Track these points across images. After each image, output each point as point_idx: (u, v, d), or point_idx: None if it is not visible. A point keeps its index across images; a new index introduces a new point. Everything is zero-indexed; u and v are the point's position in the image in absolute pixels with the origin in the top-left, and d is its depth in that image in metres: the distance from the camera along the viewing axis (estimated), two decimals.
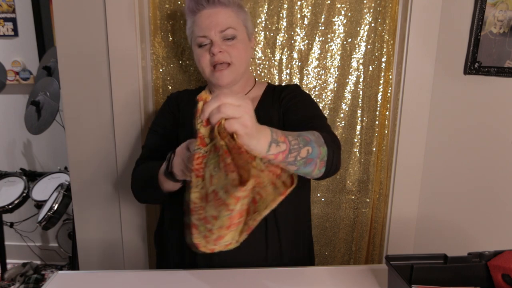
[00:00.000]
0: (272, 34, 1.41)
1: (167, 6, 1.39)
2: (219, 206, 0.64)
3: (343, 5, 1.38)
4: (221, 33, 1.00)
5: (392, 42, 1.41)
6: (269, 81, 1.44)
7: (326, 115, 1.47)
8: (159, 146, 1.11)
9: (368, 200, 1.52)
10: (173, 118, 1.14)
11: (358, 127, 1.48)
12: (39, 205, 2.05)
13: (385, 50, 1.41)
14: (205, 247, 0.68)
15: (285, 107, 1.06)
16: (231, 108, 0.62)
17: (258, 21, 1.40)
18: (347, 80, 1.45)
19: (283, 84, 1.44)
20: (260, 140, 0.67)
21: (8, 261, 2.46)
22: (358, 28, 1.40)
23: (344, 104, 1.47)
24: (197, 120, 0.68)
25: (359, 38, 1.41)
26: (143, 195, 1.06)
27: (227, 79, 1.03)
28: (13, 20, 2.35)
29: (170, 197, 0.99)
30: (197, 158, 0.68)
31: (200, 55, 1.03)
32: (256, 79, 1.20)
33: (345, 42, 1.42)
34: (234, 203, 0.61)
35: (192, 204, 0.68)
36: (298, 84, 1.35)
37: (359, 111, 1.47)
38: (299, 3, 1.38)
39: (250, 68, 1.28)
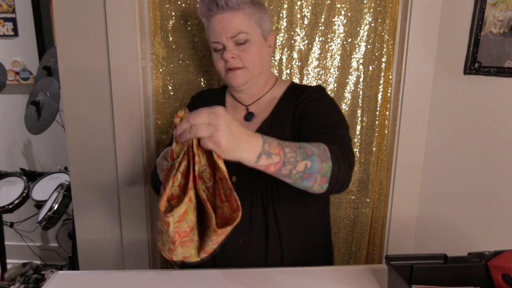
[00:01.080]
0: None
1: (167, 6, 1.39)
2: (163, 223, 0.67)
3: (343, 5, 1.38)
4: (232, 39, 0.99)
5: (392, 42, 1.41)
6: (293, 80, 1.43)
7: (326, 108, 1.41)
8: None
9: (368, 200, 1.52)
10: None
11: (358, 127, 1.48)
12: (39, 205, 2.05)
13: (385, 50, 1.41)
14: (165, 254, 0.71)
15: (301, 112, 1.01)
16: (201, 128, 0.62)
17: None
18: (347, 80, 1.45)
19: (305, 84, 1.40)
20: (245, 151, 0.66)
21: (8, 261, 2.46)
22: (358, 28, 1.40)
23: (344, 104, 1.47)
24: (174, 136, 0.69)
25: (359, 38, 1.41)
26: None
27: (240, 81, 1.02)
28: (13, 20, 2.35)
29: None
30: (165, 170, 0.73)
31: (216, 60, 1.04)
32: (277, 77, 1.15)
33: (345, 42, 1.42)
34: (167, 225, 0.65)
35: (160, 211, 0.68)
36: (322, 85, 1.22)
37: (359, 111, 1.47)
38: (299, 3, 1.38)
39: (272, 66, 1.25)
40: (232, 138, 0.64)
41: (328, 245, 1.14)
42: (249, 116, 1.07)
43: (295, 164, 0.72)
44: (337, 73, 1.44)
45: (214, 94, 1.20)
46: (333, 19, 1.40)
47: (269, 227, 1.00)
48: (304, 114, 1.00)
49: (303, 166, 0.73)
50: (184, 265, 1.07)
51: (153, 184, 1.12)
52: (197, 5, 1.05)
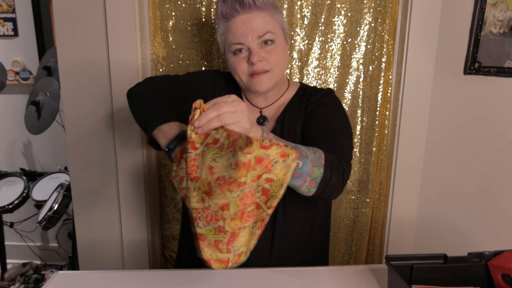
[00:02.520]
0: None
1: (167, 6, 1.39)
2: (228, 189, 0.62)
3: (343, 5, 1.38)
4: (259, 39, 0.94)
5: (392, 42, 1.41)
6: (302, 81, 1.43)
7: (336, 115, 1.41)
8: (185, 90, 1.03)
9: (368, 200, 1.52)
10: (204, 89, 1.08)
11: (358, 127, 1.48)
12: (39, 205, 2.05)
13: (385, 50, 1.41)
14: (217, 260, 0.67)
15: (308, 115, 1.00)
16: (229, 116, 0.68)
17: None
18: (347, 80, 1.45)
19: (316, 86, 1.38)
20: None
21: (8, 261, 2.46)
22: (358, 28, 1.40)
23: (344, 104, 1.47)
24: (189, 127, 0.69)
25: (359, 38, 1.41)
26: (136, 112, 0.96)
27: (267, 86, 0.97)
28: (13, 20, 2.35)
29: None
30: (190, 161, 0.68)
31: (236, 63, 0.97)
32: (288, 79, 1.13)
33: (345, 42, 1.42)
34: (245, 173, 0.61)
35: (194, 213, 0.66)
36: (332, 88, 1.19)
37: (359, 111, 1.47)
38: (299, 3, 1.38)
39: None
40: (250, 124, 0.71)
41: (326, 245, 1.15)
42: (262, 120, 1.04)
43: None
44: (337, 73, 1.44)
45: (232, 90, 1.10)
46: (333, 19, 1.40)
47: (276, 227, 0.99)
48: (310, 118, 1.00)
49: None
50: (184, 265, 1.08)
51: (136, 99, 0.99)
52: (216, 7, 1.00)
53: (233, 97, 0.71)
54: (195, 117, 0.69)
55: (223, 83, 1.09)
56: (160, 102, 0.93)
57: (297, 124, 1.01)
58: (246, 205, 0.64)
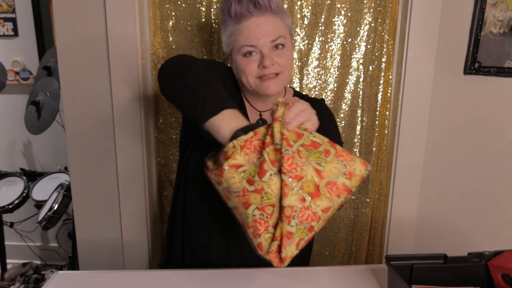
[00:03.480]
0: None
1: (167, 6, 1.39)
2: (337, 195, 0.69)
3: (343, 5, 1.38)
4: (272, 43, 0.94)
5: (392, 42, 1.41)
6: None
7: (337, 127, 1.44)
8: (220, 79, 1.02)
9: (368, 200, 1.52)
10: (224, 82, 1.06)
11: (358, 127, 1.48)
12: (39, 205, 2.05)
13: (385, 50, 1.41)
14: (291, 257, 0.70)
15: None
16: (308, 112, 0.72)
17: None
18: (347, 80, 1.45)
19: (303, 93, 1.39)
20: None
21: (8, 261, 2.46)
22: (358, 28, 1.40)
23: (344, 104, 1.47)
24: (277, 124, 0.71)
25: (359, 38, 1.41)
26: (175, 84, 0.86)
27: (276, 89, 0.97)
28: (13, 20, 2.35)
29: (193, 198, 0.99)
30: (288, 159, 0.68)
31: (245, 65, 0.96)
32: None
33: (345, 42, 1.42)
34: (358, 184, 0.72)
35: (289, 211, 0.67)
36: (323, 98, 1.25)
37: (359, 111, 1.47)
38: (299, 3, 1.38)
39: None
40: None
41: (310, 246, 1.18)
42: (261, 123, 1.05)
43: None
44: (337, 73, 1.44)
45: (235, 91, 1.09)
46: (333, 19, 1.40)
47: None
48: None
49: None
50: (183, 266, 1.07)
51: (175, 68, 0.88)
52: (225, 6, 0.96)
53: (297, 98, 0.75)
54: (279, 113, 0.72)
55: (231, 82, 1.08)
56: (217, 84, 0.84)
57: None
58: (338, 209, 0.71)
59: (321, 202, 0.68)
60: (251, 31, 0.94)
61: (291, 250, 0.69)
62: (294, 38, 1.41)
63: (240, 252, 1.01)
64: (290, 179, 0.67)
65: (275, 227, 0.70)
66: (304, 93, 1.22)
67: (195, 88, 0.81)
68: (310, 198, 0.68)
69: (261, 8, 0.93)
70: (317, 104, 1.08)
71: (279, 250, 0.69)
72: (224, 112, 0.75)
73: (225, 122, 0.74)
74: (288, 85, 1.42)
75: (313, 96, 1.44)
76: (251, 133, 0.73)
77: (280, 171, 0.69)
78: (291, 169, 0.68)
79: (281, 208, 0.68)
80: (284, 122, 0.71)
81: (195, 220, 1.05)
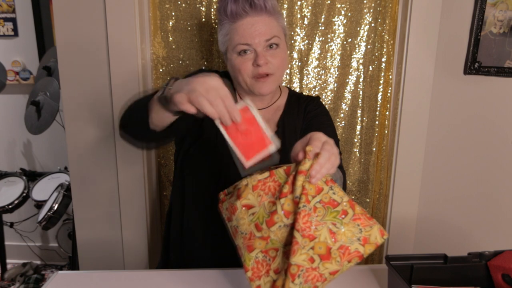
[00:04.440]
0: None
1: (167, 6, 1.39)
2: (348, 260, 0.67)
3: (343, 5, 1.38)
4: (266, 42, 0.96)
5: (392, 42, 1.41)
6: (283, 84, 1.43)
7: (334, 125, 1.45)
8: None
9: (368, 200, 1.52)
10: None
11: (358, 127, 1.48)
12: (39, 205, 2.05)
13: (385, 50, 1.41)
14: None
15: (307, 123, 1.06)
16: (333, 160, 0.67)
17: None
18: (347, 80, 1.45)
19: (296, 90, 1.42)
20: None
21: (8, 261, 2.46)
22: (358, 28, 1.40)
23: (344, 104, 1.47)
24: (301, 177, 0.66)
25: (359, 38, 1.41)
26: (129, 123, 0.92)
27: (270, 89, 0.99)
28: (13, 20, 2.35)
29: (195, 198, 1.00)
30: (304, 217, 0.65)
31: (241, 64, 0.98)
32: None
33: (345, 42, 1.42)
34: (371, 251, 0.67)
35: (295, 269, 0.65)
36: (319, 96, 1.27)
37: (359, 111, 1.47)
38: (299, 3, 1.38)
39: None
40: None
41: None
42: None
43: None
44: (337, 73, 1.44)
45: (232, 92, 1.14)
46: (333, 19, 1.40)
47: None
48: (309, 127, 1.04)
49: None
50: (184, 265, 1.08)
51: (126, 111, 0.92)
52: (221, 6, 0.98)
53: (321, 134, 0.70)
54: (306, 167, 0.66)
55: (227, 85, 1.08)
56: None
57: (296, 129, 1.04)
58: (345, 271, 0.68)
59: (330, 265, 0.66)
60: (246, 30, 0.95)
61: None
62: (294, 38, 1.41)
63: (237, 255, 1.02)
64: (302, 238, 0.65)
65: (276, 272, 0.69)
66: (298, 91, 1.22)
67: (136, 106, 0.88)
68: (319, 259, 0.66)
69: (256, 8, 0.94)
70: (313, 102, 1.10)
71: None
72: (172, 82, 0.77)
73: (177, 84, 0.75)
74: (284, 84, 1.43)
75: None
76: (266, 173, 0.71)
77: (293, 224, 0.67)
78: (305, 227, 0.65)
79: (288, 264, 0.66)
80: (309, 175, 0.66)
81: (191, 224, 1.06)
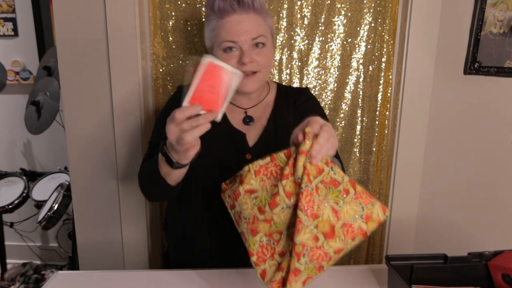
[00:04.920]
0: None
1: (167, 6, 1.39)
2: (352, 238, 0.68)
3: (343, 5, 1.38)
4: (252, 41, 0.96)
5: (392, 42, 1.41)
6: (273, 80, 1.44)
7: (326, 115, 1.47)
8: None
9: None
10: None
11: (358, 127, 1.48)
12: (39, 205, 2.05)
13: (385, 50, 1.41)
14: None
15: (300, 116, 1.04)
16: (333, 141, 0.69)
17: None
18: (347, 80, 1.45)
19: (291, 85, 1.40)
20: None
21: (8, 261, 2.46)
22: (358, 28, 1.40)
23: (344, 104, 1.47)
24: (302, 157, 0.68)
25: (359, 38, 1.41)
26: (153, 193, 1.02)
27: (254, 87, 1.00)
28: (13, 20, 2.35)
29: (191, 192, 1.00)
30: (306, 196, 0.66)
31: (225, 61, 0.95)
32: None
33: (345, 42, 1.42)
34: (374, 228, 0.69)
35: (299, 248, 0.65)
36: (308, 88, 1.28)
37: (359, 111, 1.47)
38: (299, 3, 1.38)
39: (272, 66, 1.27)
40: None
41: None
42: (248, 120, 1.06)
43: None
44: (337, 73, 1.44)
45: None
46: (333, 19, 1.40)
47: None
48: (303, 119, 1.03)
49: None
50: (184, 265, 1.08)
51: (143, 184, 1.02)
52: (210, 1, 0.99)
53: (319, 118, 0.73)
54: (307, 147, 0.68)
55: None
56: (151, 161, 0.96)
57: (288, 123, 1.04)
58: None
59: (334, 243, 0.67)
60: (233, 27, 0.95)
61: (296, 287, 0.68)
62: (294, 38, 1.41)
63: (238, 253, 1.01)
64: (306, 217, 0.66)
65: (281, 255, 0.69)
66: (285, 85, 1.22)
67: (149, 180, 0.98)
68: (324, 238, 0.66)
69: (244, 6, 0.95)
70: (303, 94, 1.10)
71: (283, 283, 0.68)
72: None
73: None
74: (284, 84, 1.43)
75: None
76: (267, 158, 0.73)
77: (295, 205, 0.67)
78: (308, 206, 0.66)
79: (292, 243, 0.66)
80: (310, 155, 0.68)
81: (191, 224, 1.05)
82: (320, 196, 0.68)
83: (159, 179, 0.89)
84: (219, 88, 0.73)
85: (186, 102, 0.73)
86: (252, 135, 1.04)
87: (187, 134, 0.72)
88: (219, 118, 0.73)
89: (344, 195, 0.69)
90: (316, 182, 0.68)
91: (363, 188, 0.71)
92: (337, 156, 0.95)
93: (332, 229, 0.67)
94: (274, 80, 1.44)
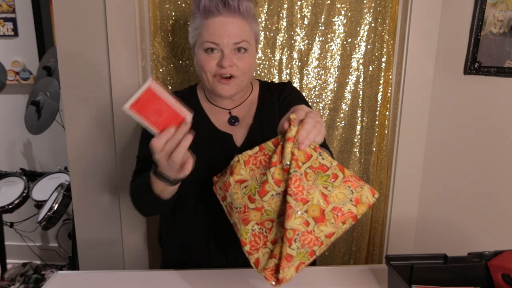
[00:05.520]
0: (272, 34, 1.41)
1: (167, 6, 1.39)
2: (343, 221, 0.68)
3: (343, 5, 1.38)
4: (234, 45, 0.95)
5: (392, 42, 1.41)
6: (265, 79, 1.44)
7: (326, 115, 1.48)
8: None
9: None
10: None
11: (358, 127, 1.48)
12: (39, 205, 2.05)
13: (385, 50, 1.41)
14: (289, 279, 0.68)
15: (284, 111, 1.04)
16: (319, 127, 0.70)
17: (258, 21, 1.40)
18: (347, 80, 1.45)
19: (303, 93, 1.42)
20: None
21: (8, 261, 2.46)
22: (358, 28, 1.40)
23: (344, 104, 1.47)
24: (289, 144, 0.68)
25: (359, 38, 1.41)
26: (146, 209, 1.02)
27: (231, 92, 0.98)
28: (13, 20, 2.35)
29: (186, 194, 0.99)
30: (295, 181, 0.67)
31: (205, 61, 0.97)
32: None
33: (345, 42, 1.42)
34: (364, 211, 0.69)
35: (291, 233, 0.65)
36: (291, 81, 1.30)
37: (359, 111, 1.47)
38: (299, 3, 1.38)
39: (272, 66, 1.26)
40: None
41: None
42: (233, 120, 1.05)
43: None
44: (337, 73, 1.44)
45: (185, 97, 1.02)
46: (333, 19, 1.40)
47: None
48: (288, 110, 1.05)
49: None
50: (183, 265, 1.07)
51: (135, 200, 1.02)
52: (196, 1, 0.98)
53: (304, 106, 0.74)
54: (293, 133, 0.68)
55: (193, 103, 1.07)
56: (141, 177, 0.98)
57: (274, 119, 1.03)
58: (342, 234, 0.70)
59: (325, 227, 0.67)
60: (216, 28, 0.94)
61: (290, 273, 0.68)
62: (294, 38, 1.41)
63: (237, 253, 1.01)
64: (295, 202, 0.66)
65: (273, 243, 0.70)
66: (269, 81, 1.22)
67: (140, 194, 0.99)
68: (314, 222, 0.66)
69: (230, 8, 0.93)
70: (286, 89, 1.09)
71: (277, 270, 0.68)
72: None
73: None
74: (297, 79, 1.43)
75: (312, 96, 1.46)
76: (256, 148, 0.73)
77: (285, 192, 0.68)
78: (297, 191, 0.66)
79: (284, 229, 0.66)
80: (297, 141, 0.68)
81: (190, 224, 1.05)
82: (309, 181, 0.68)
83: (154, 198, 0.89)
84: (166, 102, 0.72)
85: (155, 133, 0.74)
86: (239, 134, 1.03)
87: (174, 155, 0.73)
88: (189, 119, 0.73)
89: (333, 180, 0.69)
90: (305, 167, 0.69)
91: (352, 172, 0.72)
92: (325, 145, 0.94)
93: (322, 213, 0.67)
94: (274, 80, 1.44)
